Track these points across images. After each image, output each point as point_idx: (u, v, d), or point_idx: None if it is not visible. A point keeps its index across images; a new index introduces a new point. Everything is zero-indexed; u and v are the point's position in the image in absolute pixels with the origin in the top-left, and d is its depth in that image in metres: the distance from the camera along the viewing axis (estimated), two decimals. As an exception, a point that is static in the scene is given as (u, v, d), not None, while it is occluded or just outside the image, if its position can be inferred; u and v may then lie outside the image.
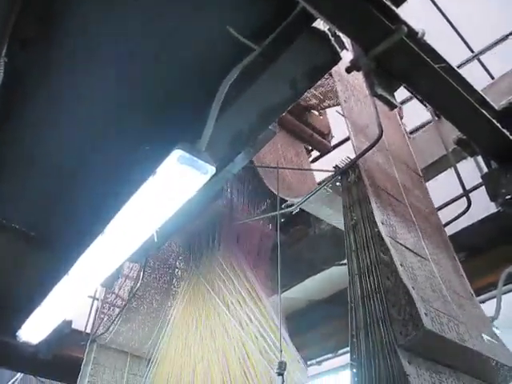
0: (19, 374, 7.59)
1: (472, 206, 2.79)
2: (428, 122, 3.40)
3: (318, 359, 4.48)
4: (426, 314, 1.48)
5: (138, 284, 3.46)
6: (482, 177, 2.35)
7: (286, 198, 2.47)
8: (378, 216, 1.65)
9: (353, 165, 1.88)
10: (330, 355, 4.55)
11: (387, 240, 1.59)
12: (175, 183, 1.83)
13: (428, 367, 1.45)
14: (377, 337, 1.49)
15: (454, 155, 2.94)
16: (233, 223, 2.92)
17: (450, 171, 3.17)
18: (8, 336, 3.59)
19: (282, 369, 1.75)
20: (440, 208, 2.76)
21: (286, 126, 3.34)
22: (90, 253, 2.35)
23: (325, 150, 3.72)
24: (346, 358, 4.48)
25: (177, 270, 3.66)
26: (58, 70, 2.07)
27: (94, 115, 2.28)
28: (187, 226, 2.94)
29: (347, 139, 3.82)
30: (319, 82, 3.37)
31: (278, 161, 2.68)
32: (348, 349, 4.36)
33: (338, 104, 3.65)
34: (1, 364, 4.93)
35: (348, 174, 1.89)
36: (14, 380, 7.87)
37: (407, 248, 1.68)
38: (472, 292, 2.06)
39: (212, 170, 1.78)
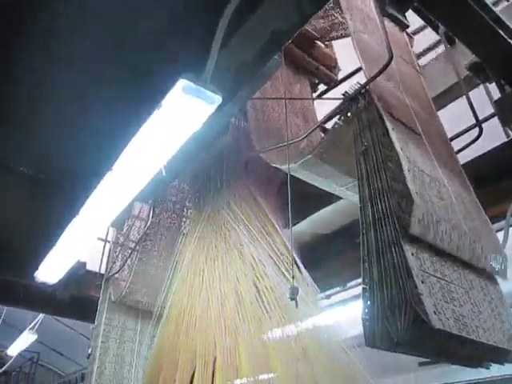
0: (40, 315, 7.95)
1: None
2: (435, 45, 3.27)
3: (326, 293, 4.62)
4: (408, 170, 1.57)
5: (149, 223, 3.50)
6: (495, 102, 2.29)
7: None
8: (393, 134, 1.62)
9: (363, 90, 1.82)
10: (338, 289, 4.68)
11: (399, 151, 1.58)
12: (181, 115, 1.79)
13: (441, 287, 1.48)
14: (389, 260, 1.51)
15: (465, 84, 2.85)
16: (240, 158, 2.90)
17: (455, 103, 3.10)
18: (26, 278, 3.70)
19: (294, 294, 1.79)
20: (452, 139, 2.72)
21: (291, 58, 3.22)
22: (100, 192, 2.36)
23: (331, 83, 3.62)
24: (354, 291, 4.62)
25: (186, 208, 3.68)
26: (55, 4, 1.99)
27: (93, 52, 2.21)
28: (195, 163, 2.93)
29: (354, 73, 3.71)
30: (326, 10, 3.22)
31: (284, 93, 2.61)
32: (356, 282, 4.47)
33: (345, 35, 3.52)
34: (21, 305, 5.13)
35: (358, 100, 1.84)
36: (35, 322, 8.25)
37: (421, 170, 1.68)
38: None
39: (218, 99, 1.74)
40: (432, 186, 1.73)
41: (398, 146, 1.61)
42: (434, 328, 1.37)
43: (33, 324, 8.27)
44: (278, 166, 2.44)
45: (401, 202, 1.60)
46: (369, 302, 1.54)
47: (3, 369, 10.78)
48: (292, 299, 1.78)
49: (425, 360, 6.42)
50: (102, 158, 2.26)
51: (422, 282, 1.41)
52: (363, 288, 1.55)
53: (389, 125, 1.66)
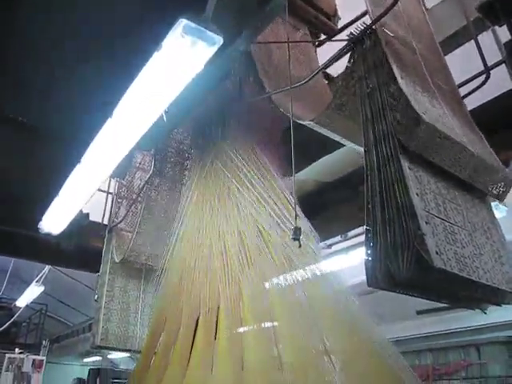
0: (46, 267, 8.13)
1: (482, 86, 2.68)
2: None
3: (327, 242, 4.67)
4: (401, 77, 1.62)
5: (150, 172, 3.49)
6: (505, 44, 2.23)
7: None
8: (398, 73, 1.59)
9: (368, 31, 1.76)
10: (339, 238, 4.73)
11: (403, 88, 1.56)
12: (182, 57, 1.74)
13: (445, 228, 1.49)
14: (392, 202, 1.51)
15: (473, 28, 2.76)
16: (242, 105, 2.84)
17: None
18: (31, 229, 3.74)
19: (297, 234, 1.79)
20: (460, 86, 2.66)
21: (289, 6, 3.08)
22: (101, 138, 2.34)
23: (331, 33, 3.48)
24: (354, 240, 4.68)
25: (188, 158, 3.66)
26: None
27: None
28: (196, 110, 2.88)
29: (353, 22, 3.58)
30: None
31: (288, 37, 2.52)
32: (356, 231, 4.48)
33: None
34: (26, 256, 5.21)
35: (363, 41, 1.78)
36: (41, 274, 8.45)
37: (413, 81, 1.68)
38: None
39: (219, 40, 1.68)
40: (424, 94, 1.74)
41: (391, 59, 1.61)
42: (435, 267, 1.39)
43: (39, 276, 8.47)
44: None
45: (404, 143, 1.59)
46: (372, 243, 1.55)
47: (12, 319, 11.12)
48: (295, 239, 1.79)
49: (423, 308, 6.60)
50: (102, 104, 2.23)
51: (426, 223, 1.41)
52: (366, 229, 1.56)
53: (387, 50, 1.64)
